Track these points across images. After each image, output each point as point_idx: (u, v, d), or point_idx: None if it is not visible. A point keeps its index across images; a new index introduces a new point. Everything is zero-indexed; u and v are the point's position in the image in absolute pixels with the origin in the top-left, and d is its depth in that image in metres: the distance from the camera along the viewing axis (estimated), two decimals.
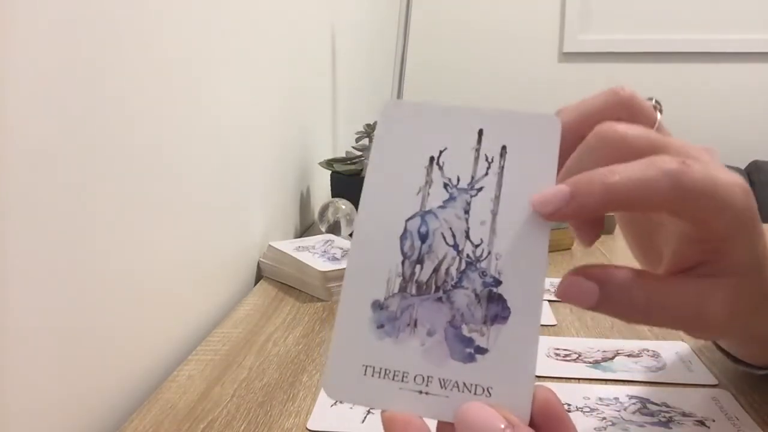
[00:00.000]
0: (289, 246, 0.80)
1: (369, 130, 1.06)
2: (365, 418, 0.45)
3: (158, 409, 0.47)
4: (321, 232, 0.93)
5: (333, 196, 1.04)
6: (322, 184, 1.16)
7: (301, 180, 1.08)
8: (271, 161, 0.91)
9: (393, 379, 0.26)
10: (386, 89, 1.26)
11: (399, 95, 1.21)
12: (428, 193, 0.29)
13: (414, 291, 0.28)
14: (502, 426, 0.24)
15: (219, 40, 0.70)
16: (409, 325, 0.27)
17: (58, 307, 0.42)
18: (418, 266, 0.28)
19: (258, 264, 0.83)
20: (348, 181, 1.02)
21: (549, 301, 0.70)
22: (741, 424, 0.43)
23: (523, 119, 0.29)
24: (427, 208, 0.28)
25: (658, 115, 0.33)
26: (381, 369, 0.26)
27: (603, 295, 0.28)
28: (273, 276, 0.80)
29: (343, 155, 1.09)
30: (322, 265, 0.72)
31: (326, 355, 0.26)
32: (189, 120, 0.62)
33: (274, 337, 0.61)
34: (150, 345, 0.55)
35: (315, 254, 0.76)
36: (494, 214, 0.28)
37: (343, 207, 0.94)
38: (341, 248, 0.79)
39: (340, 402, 0.27)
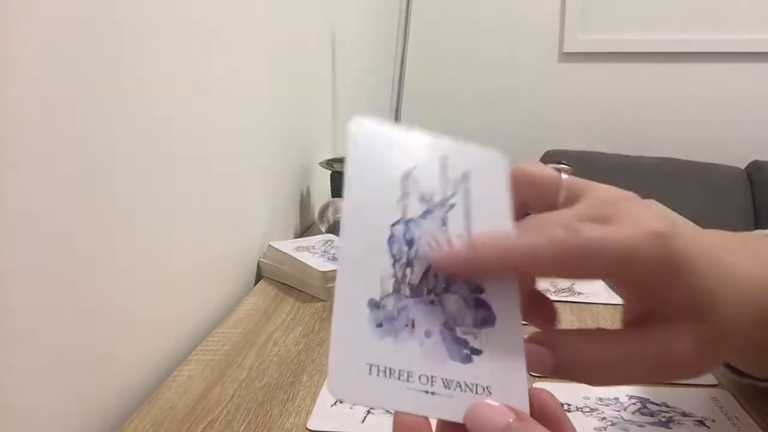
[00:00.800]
0: (289, 246, 0.80)
1: None
2: (365, 418, 0.45)
3: (158, 409, 0.47)
4: (321, 232, 0.93)
5: (333, 196, 1.04)
6: (322, 184, 1.16)
7: (301, 180, 1.08)
8: (271, 161, 0.91)
9: (399, 378, 0.26)
10: (386, 90, 1.26)
11: (399, 96, 1.21)
12: (407, 204, 0.29)
13: (408, 292, 0.28)
14: (511, 420, 0.25)
15: (219, 42, 0.70)
16: (407, 325, 0.27)
17: (57, 307, 0.42)
18: (408, 269, 0.28)
19: (258, 264, 0.83)
20: None
21: None
22: (741, 424, 0.43)
23: (473, 155, 0.32)
24: (408, 217, 0.29)
25: (563, 176, 0.32)
26: (386, 368, 0.26)
27: (558, 360, 0.27)
28: (273, 276, 0.80)
29: (343, 155, 1.09)
30: (322, 265, 0.72)
31: (327, 356, 0.25)
32: (189, 121, 0.62)
33: (274, 337, 0.61)
34: (150, 345, 0.55)
35: (315, 254, 0.76)
36: (467, 229, 0.30)
37: None
38: None
39: (341, 402, 0.26)
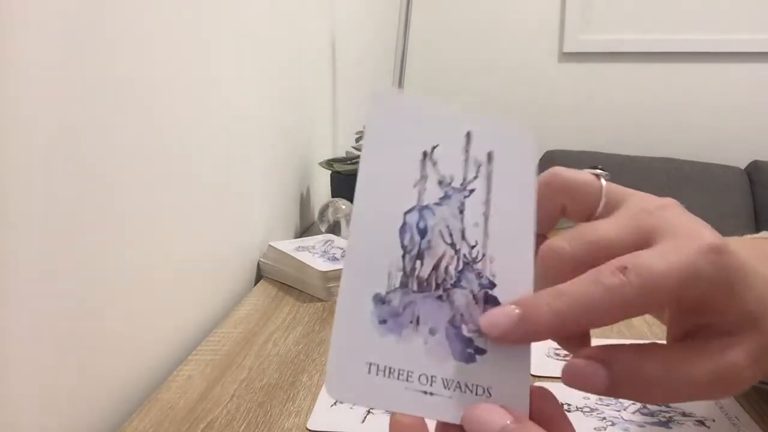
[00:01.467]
0: (289, 246, 0.80)
1: None
2: (365, 418, 0.45)
3: (158, 409, 0.47)
4: (321, 232, 0.93)
5: (333, 196, 1.04)
6: (322, 184, 1.16)
7: (301, 180, 1.08)
8: (271, 161, 0.91)
9: (398, 378, 0.26)
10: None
11: None
12: (424, 188, 0.28)
13: (415, 287, 0.27)
14: (509, 422, 0.24)
15: (219, 42, 0.70)
16: (411, 322, 0.26)
17: (58, 307, 0.42)
18: (418, 261, 0.27)
19: (258, 264, 0.83)
20: (348, 181, 1.02)
21: None
22: (741, 424, 0.43)
23: (502, 131, 0.30)
24: (423, 203, 0.28)
25: (603, 183, 0.31)
26: (385, 367, 0.25)
27: (612, 378, 0.26)
28: (273, 276, 0.80)
29: (343, 155, 1.09)
30: (322, 265, 0.72)
31: (328, 353, 0.24)
32: (189, 121, 0.62)
33: (274, 337, 0.61)
34: (150, 345, 0.55)
35: (315, 254, 0.76)
36: (486, 217, 0.28)
37: (343, 207, 0.94)
38: (341, 248, 0.79)
39: (343, 402, 0.26)
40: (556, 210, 0.32)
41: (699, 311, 0.28)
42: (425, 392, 0.26)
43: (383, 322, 0.26)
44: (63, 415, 0.43)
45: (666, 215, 0.28)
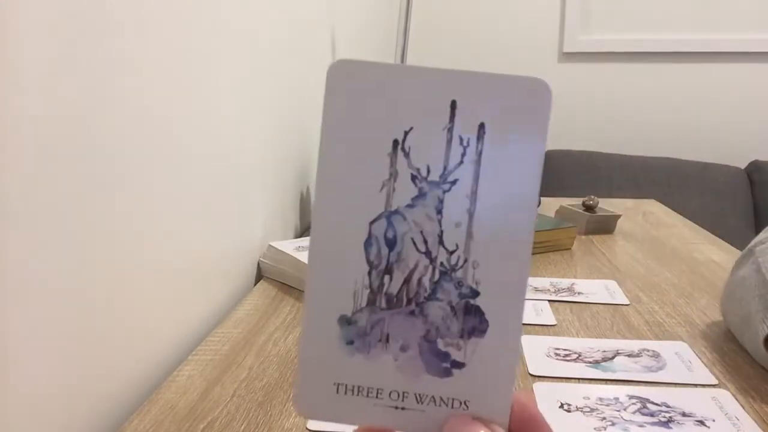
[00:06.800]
0: (289, 246, 0.80)
1: None
2: None
3: (158, 409, 0.47)
4: None
5: None
6: None
7: (301, 180, 1.08)
8: (271, 161, 0.91)
9: (367, 395, 0.25)
10: None
11: None
12: (393, 189, 0.24)
13: (384, 304, 0.25)
14: None
15: (219, 41, 0.70)
16: (380, 340, 0.25)
17: (58, 307, 0.42)
18: (386, 277, 0.25)
19: (258, 264, 0.83)
20: None
21: (549, 300, 0.70)
22: (741, 424, 0.43)
23: (506, 84, 0.24)
24: (393, 208, 0.24)
25: None
26: (354, 386, 0.25)
27: None
28: (273, 276, 0.80)
29: None
30: None
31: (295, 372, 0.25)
32: (189, 120, 0.62)
33: (274, 337, 0.61)
34: (150, 345, 0.55)
35: None
36: (471, 213, 0.24)
37: None
38: None
39: (310, 419, 0.26)
40: None
41: None
42: (396, 407, 0.25)
43: (350, 342, 0.25)
44: (63, 415, 0.43)
45: None
